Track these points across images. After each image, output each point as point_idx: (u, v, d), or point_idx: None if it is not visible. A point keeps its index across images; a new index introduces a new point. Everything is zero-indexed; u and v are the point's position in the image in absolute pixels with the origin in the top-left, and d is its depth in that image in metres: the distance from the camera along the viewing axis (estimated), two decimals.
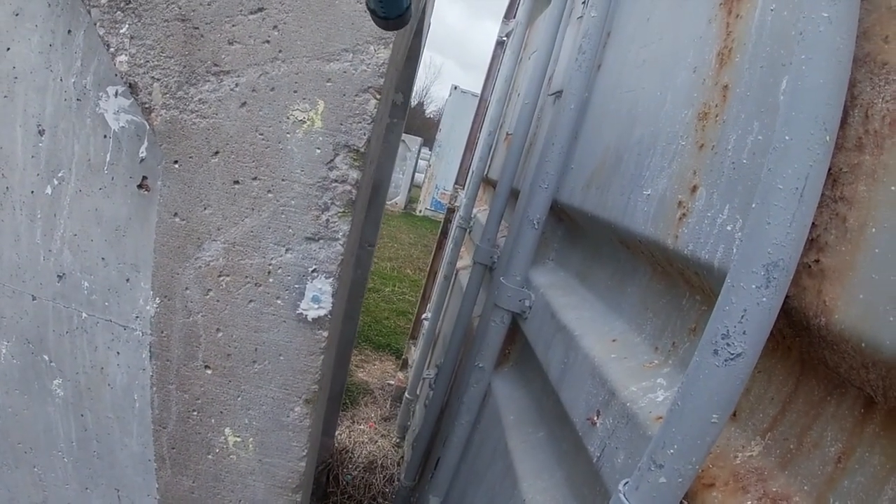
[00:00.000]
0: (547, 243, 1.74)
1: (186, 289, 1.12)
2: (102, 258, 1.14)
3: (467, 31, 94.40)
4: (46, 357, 1.20)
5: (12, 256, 1.16)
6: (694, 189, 0.87)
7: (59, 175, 1.11)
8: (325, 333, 1.14)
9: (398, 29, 0.87)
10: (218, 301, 1.13)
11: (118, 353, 1.18)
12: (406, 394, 3.76)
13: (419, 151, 16.68)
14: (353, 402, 4.41)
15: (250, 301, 1.12)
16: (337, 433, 3.72)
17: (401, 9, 0.80)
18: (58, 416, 1.22)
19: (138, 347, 1.17)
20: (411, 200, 16.95)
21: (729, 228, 0.74)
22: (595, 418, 0.98)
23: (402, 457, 3.57)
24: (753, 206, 0.60)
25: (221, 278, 1.12)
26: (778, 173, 0.57)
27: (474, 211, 3.25)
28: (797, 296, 0.63)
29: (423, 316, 4.26)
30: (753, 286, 0.57)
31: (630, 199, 1.09)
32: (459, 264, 3.32)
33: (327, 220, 1.09)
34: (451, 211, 4.36)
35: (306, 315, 1.13)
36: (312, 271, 1.11)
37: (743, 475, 0.69)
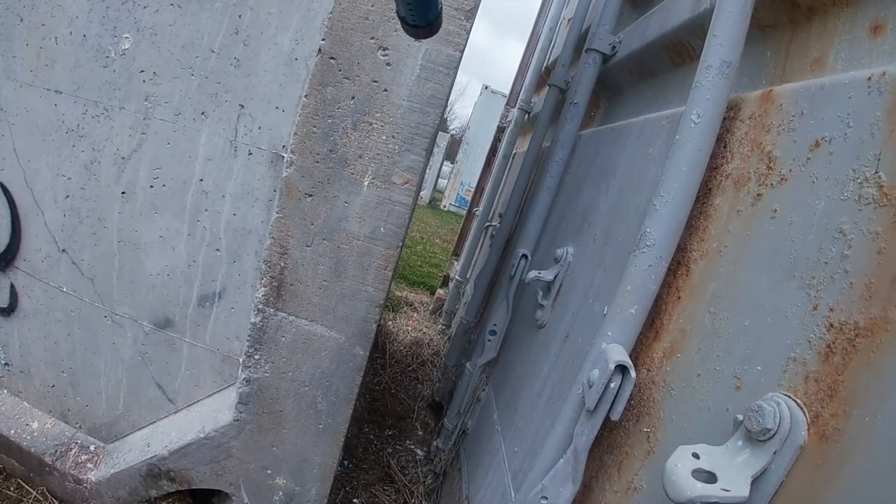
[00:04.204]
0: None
1: None
2: None
3: (492, 50, 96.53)
4: None
5: None
6: None
7: None
8: None
9: (428, 37, 0.87)
10: None
11: None
12: (456, 276, 3.90)
13: (446, 150, 17.14)
14: (394, 309, 4.57)
15: None
16: (381, 321, 3.86)
17: (430, 18, 0.80)
18: (210, 23, 1.39)
19: None
20: (434, 199, 17.32)
21: None
22: None
23: (449, 338, 3.70)
24: None
25: None
26: None
27: (533, 99, 3.46)
28: None
29: (474, 210, 4.43)
30: None
31: None
32: (518, 149, 3.51)
33: None
34: (500, 130, 4.59)
35: None
36: None
37: None
